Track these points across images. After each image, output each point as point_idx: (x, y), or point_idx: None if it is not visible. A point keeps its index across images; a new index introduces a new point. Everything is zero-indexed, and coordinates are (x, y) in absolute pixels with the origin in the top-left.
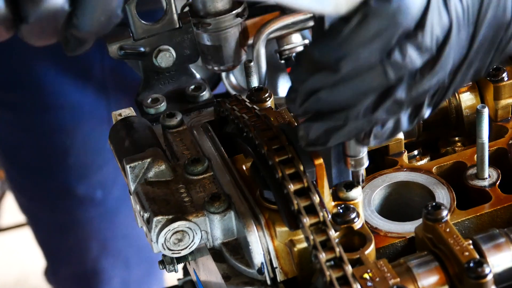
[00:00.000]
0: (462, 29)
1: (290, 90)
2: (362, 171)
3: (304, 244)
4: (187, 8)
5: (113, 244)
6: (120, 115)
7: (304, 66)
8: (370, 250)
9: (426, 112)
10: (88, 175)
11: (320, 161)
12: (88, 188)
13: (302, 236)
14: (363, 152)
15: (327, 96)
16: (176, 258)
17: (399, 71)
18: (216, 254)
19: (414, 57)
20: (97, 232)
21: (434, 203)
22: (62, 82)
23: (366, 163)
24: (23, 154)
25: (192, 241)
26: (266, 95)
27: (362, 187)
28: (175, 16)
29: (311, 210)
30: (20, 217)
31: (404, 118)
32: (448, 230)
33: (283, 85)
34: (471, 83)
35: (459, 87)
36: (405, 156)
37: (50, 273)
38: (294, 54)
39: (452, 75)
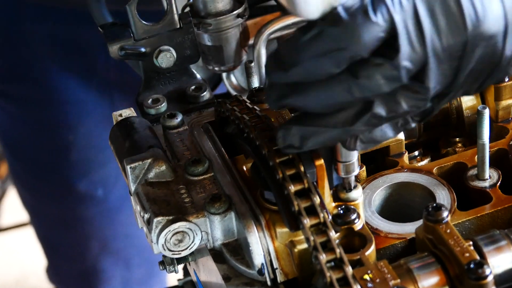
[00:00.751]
0: (444, 62)
1: (266, 82)
2: (353, 178)
3: (305, 245)
4: (187, 9)
5: (114, 243)
6: (120, 115)
7: (272, 59)
8: (371, 251)
9: (412, 124)
10: (90, 172)
11: (320, 162)
12: (89, 186)
13: (302, 237)
14: (354, 158)
15: (294, 99)
16: (177, 258)
17: (364, 92)
18: (217, 254)
19: (381, 83)
20: (98, 230)
21: (434, 204)
22: (66, 78)
23: (357, 169)
24: (26, 148)
25: (193, 242)
26: None
27: (363, 188)
28: (176, 17)
29: (312, 211)
30: (20, 217)
31: (389, 127)
32: (448, 231)
33: None
34: None
35: (445, 104)
36: (405, 157)
37: (51, 271)
38: None
39: (438, 98)
